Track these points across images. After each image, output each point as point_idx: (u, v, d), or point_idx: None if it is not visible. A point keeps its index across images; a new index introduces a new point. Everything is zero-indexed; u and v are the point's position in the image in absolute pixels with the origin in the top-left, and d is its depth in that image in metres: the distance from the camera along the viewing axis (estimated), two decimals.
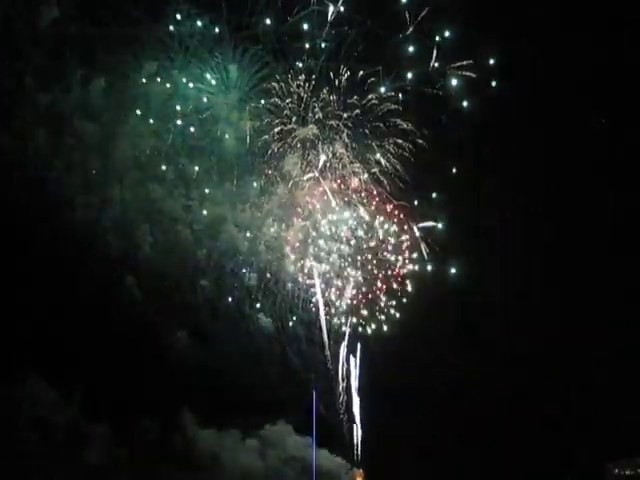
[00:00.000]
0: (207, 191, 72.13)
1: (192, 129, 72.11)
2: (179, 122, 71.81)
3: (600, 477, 77.64)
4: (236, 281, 72.26)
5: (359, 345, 77.60)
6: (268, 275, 74.38)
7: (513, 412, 76.10)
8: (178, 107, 71.43)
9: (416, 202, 75.18)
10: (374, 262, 76.85)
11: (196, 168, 72.14)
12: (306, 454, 72.47)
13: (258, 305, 74.25)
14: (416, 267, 76.38)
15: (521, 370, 75.72)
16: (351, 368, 76.88)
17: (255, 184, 73.28)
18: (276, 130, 73.38)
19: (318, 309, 75.47)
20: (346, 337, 76.26)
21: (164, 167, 71.91)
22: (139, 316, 67.64)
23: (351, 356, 77.09)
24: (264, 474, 69.84)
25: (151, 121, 71.11)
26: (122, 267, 69.17)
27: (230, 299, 72.91)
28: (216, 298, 72.06)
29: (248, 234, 73.80)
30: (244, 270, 73.59)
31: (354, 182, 74.83)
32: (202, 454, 68.86)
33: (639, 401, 75.01)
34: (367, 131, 74.39)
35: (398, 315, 76.75)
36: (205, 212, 72.56)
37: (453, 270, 76.17)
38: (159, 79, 70.28)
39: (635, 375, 75.18)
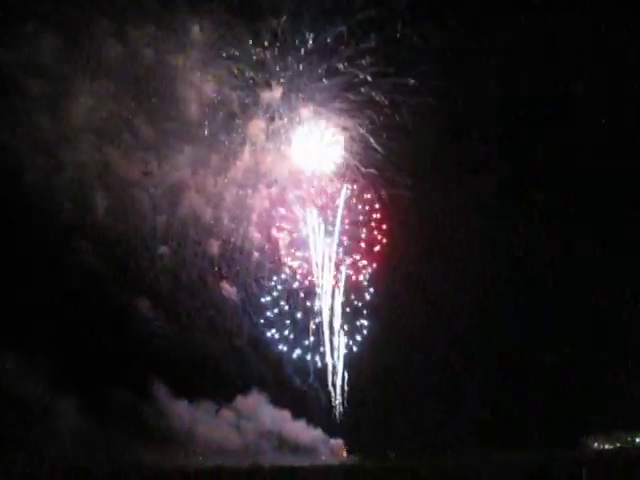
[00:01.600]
0: (167, 155, 66.27)
1: (151, 91, 67.42)
2: (137, 84, 67.23)
3: (580, 450, 75.54)
4: (198, 250, 65.57)
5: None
6: (232, 244, 69.81)
7: (496, 384, 74.99)
8: (136, 68, 66.72)
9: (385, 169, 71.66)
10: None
11: (155, 131, 66.89)
12: (282, 427, 69.71)
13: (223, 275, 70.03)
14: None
15: (504, 342, 75.03)
16: (335, 340, 73.15)
17: (218, 149, 66.79)
18: (240, 94, 69.61)
19: (292, 280, 71.96)
20: (324, 310, 71.43)
21: (121, 130, 67.05)
22: (95, 283, 63.59)
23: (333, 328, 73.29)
24: (240, 448, 65.78)
25: (107, 82, 66.74)
26: (75, 232, 64.26)
27: (192, 268, 66.91)
28: (177, 267, 68.00)
29: (211, 201, 68.14)
30: (207, 238, 68.16)
31: (321, 148, 69.82)
32: (175, 426, 65.11)
33: (618, 378, 74.17)
34: (334, 98, 71.08)
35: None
36: (164, 177, 66.59)
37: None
38: (115, 39, 66.29)
39: (613, 353, 75.15)
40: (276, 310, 70.47)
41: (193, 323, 66.60)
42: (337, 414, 71.98)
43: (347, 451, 71.98)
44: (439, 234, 70.23)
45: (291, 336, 70.53)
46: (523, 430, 70.81)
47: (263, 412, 68.45)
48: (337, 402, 71.56)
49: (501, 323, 75.94)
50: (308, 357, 70.58)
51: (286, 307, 70.91)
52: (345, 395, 72.11)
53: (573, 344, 75.06)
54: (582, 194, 72.42)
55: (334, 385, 71.77)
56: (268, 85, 69.10)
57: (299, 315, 71.11)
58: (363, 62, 69.61)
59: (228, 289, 68.33)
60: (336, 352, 71.28)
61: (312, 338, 71.17)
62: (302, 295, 71.40)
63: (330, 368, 71.48)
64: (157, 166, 67.33)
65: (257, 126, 69.76)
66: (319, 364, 71.34)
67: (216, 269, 68.88)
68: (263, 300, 70.48)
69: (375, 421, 69.31)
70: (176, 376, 64.18)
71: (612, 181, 71.85)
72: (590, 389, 73.88)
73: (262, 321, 69.99)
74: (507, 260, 73.73)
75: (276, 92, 69.39)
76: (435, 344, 73.24)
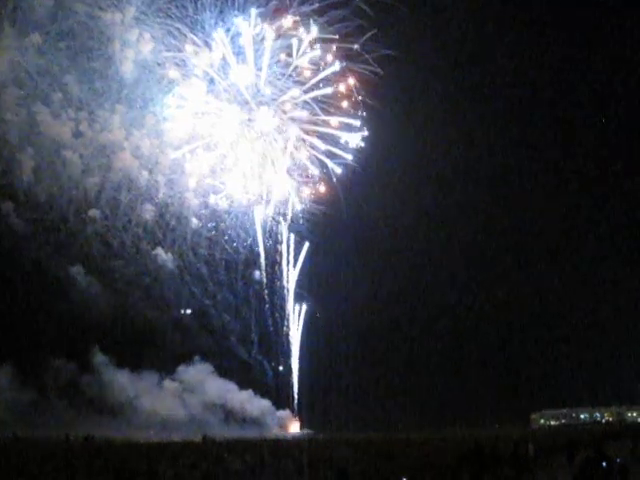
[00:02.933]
0: (99, 115, 61.93)
1: (83, 47, 63.97)
2: (67, 39, 63.57)
3: (526, 427, 75.53)
4: (132, 215, 61.83)
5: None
6: (168, 210, 67.06)
7: (449, 361, 74.69)
8: (65, 22, 62.92)
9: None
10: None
11: (87, 90, 63.35)
12: (228, 398, 67.21)
13: (157, 242, 67.03)
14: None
15: (455, 323, 74.67)
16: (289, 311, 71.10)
17: (154, 111, 63.13)
18: (178, 53, 66.18)
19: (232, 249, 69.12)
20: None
21: (50, 88, 63.22)
22: (24, 247, 60.43)
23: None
24: (185, 420, 63.22)
25: (36, 37, 62.60)
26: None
27: (125, 234, 63.67)
28: (110, 232, 64.72)
29: (146, 165, 65.19)
30: (141, 204, 64.93)
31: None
32: (118, 397, 62.30)
33: (563, 357, 74.99)
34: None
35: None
36: (97, 138, 62.56)
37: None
38: None
39: (558, 335, 75.78)
40: (216, 279, 67.14)
41: (130, 291, 63.62)
42: (289, 387, 70.34)
43: (300, 425, 70.75)
44: None
45: (233, 306, 67.57)
46: (472, 408, 69.33)
47: (208, 383, 66.12)
48: (291, 375, 69.95)
49: (452, 302, 74.31)
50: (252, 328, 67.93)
51: (226, 277, 67.67)
52: (296, 367, 70.39)
53: (520, 326, 74.09)
54: None
55: (284, 356, 69.92)
56: (207, 46, 64.90)
57: (240, 285, 67.93)
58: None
59: (163, 256, 64.96)
60: (287, 322, 68.43)
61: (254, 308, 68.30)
62: (242, 265, 68.29)
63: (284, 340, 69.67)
64: (88, 127, 63.06)
65: (196, 88, 65.01)
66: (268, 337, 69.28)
67: (151, 236, 65.32)
68: (201, 269, 66.80)
69: (329, 395, 66.41)
70: (117, 346, 61.69)
71: None
72: (537, 369, 73.19)
73: (201, 291, 66.42)
74: None
75: (216, 53, 64.20)
76: (388, 318, 70.93)
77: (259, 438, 45.55)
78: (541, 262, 77.16)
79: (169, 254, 65.78)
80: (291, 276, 69.08)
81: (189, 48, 66.10)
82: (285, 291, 68.54)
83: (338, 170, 67.66)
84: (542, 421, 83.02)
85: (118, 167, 64.98)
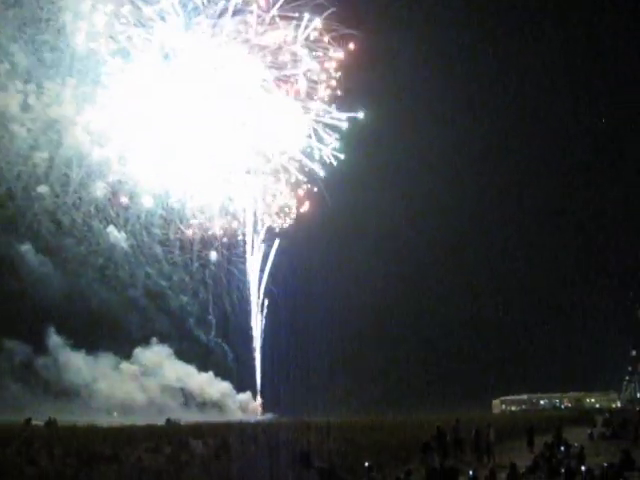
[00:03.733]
0: (49, 88, 61.29)
1: (32, 17, 62.93)
2: (14, 8, 62.32)
3: (488, 412, 77.19)
4: (84, 192, 61.11)
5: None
6: (121, 188, 66.60)
7: (410, 347, 76.83)
8: None
9: None
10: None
11: (35, 61, 62.63)
12: (187, 382, 67.69)
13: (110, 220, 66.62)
14: None
15: (417, 309, 76.19)
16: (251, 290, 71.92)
17: (107, 85, 62.49)
18: (131, 27, 65.37)
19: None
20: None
21: None
22: None
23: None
24: (144, 405, 63.35)
25: None
26: None
27: (77, 212, 63.55)
28: (60, 210, 64.09)
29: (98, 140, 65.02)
30: (93, 181, 64.70)
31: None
32: (75, 380, 62.01)
33: (524, 344, 78.45)
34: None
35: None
36: (46, 112, 62.60)
37: None
38: None
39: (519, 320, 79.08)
40: (171, 260, 67.66)
41: (82, 271, 63.82)
42: (251, 370, 71.12)
43: (263, 409, 71.54)
44: None
45: (189, 288, 68.13)
46: (434, 393, 70.90)
47: (166, 366, 66.44)
48: (253, 359, 70.68)
49: (413, 287, 75.74)
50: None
51: (181, 258, 68.11)
52: (259, 350, 71.32)
53: (482, 313, 75.82)
54: None
55: (245, 339, 70.50)
56: (162, 20, 64.80)
57: (196, 266, 68.33)
58: None
59: (116, 234, 64.90)
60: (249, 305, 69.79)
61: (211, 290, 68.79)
62: (198, 246, 68.65)
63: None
64: (37, 100, 62.34)
65: (151, 63, 64.05)
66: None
67: (103, 214, 65.19)
68: (155, 249, 67.24)
69: (292, 379, 67.46)
70: (72, 328, 61.31)
71: None
72: (498, 356, 75.05)
73: (157, 271, 66.68)
74: None
75: (172, 27, 63.87)
76: (351, 303, 72.10)
77: (223, 422, 46.09)
78: (504, 252, 79.09)
79: (122, 233, 65.61)
80: (253, 258, 69.12)
81: (144, 21, 65.02)
82: (247, 274, 68.57)
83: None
84: (503, 407, 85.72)
85: (69, 142, 63.94)
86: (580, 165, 78.11)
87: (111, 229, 66.00)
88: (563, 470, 21.07)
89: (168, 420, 44.25)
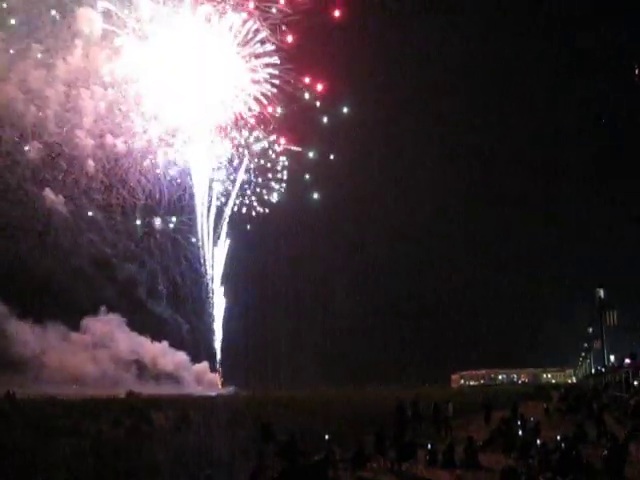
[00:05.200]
0: None
1: None
2: None
3: (446, 387, 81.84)
4: (18, 154, 59.88)
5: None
6: (61, 150, 66.85)
7: (372, 322, 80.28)
8: None
9: None
10: None
11: None
12: (141, 352, 68.99)
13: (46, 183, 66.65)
14: None
15: (379, 283, 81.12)
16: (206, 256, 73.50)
17: (45, 41, 61.65)
18: None
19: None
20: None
21: None
22: None
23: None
24: (97, 377, 64.26)
25: None
26: None
27: (11, 174, 63.80)
28: None
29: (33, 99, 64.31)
30: (28, 141, 64.62)
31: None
32: (23, 351, 62.33)
33: (483, 321, 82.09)
34: None
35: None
36: None
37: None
38: None
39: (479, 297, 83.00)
40: (113, 227, 67.98)
41: (21, 237, 64.11)
42: (209, 341, 72.85)
43: (223, 382, 73.60)
44: None
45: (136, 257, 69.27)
46: (394, 368, 73.09)
47: (118, 336, 67.53)
48: (211, 330, 72.12)
49: (374, 263, 77.54)
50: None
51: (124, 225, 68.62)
52: (219, 324, 73.47)
53: (442, 290, 78.13)
54: None
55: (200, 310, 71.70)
56: None
57: (140, 233, 69.45)
58: None
59: (53, 199, 64.58)
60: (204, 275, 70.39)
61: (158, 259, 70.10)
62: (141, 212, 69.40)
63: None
64: None
65: (90, 20, 64.24)
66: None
67: (39, 176, 65.21)
68: (96, 215, 67.48)
69: (252, 352, 68.30)
70: (16, 296, 61.33)
71: None
72: (458, 332, 77.65)
73: (100, 239, 67.25)
74: None
75: None
76: (313, 276, 73.45)
77: (184, 395, 46.66)
78: (466, 228, 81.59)
79: (60, 197, 65.48)
80: (207, 226, 69.64)
81: None
82: (199, 242, 69.03)
83: None
84: (462, 381, 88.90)
85: (1, 100, 63.07)
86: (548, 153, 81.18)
87: (47, 192, 65.43)
88: (519, 444, 22.78)
89: (129, 392, 44.93)
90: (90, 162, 68.02)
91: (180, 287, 72.44)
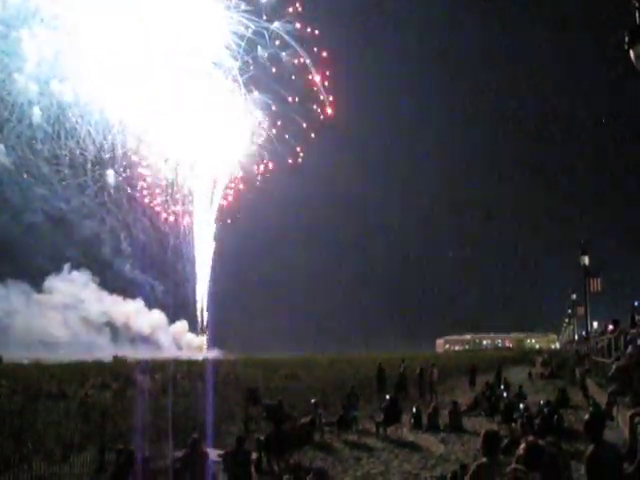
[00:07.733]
0: None
1: None
2: None
3: (432, 351, 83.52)
4: None
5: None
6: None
7: (358, 287, 77.29)
8: None
9: None
10: None
11: None
12: (113, 312, 65.78)
13: None
14: None
15: (365, 249, 76.52)
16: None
17: None
18: None
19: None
20: None
21: None
22: None
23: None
24: (69, 340, 61.00)
25: None
26: None
27: None
28: None
29: None
30: None
31: None
32: None
33: (468, 286, 78.54)
34: None
35: None
36: None
37: None
38: None
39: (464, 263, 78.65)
40: (62, 181, 64.19)
41: None
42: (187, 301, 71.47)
43: (208, 345, 72.65)
44: None
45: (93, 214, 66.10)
46: (380, 332, 74.12)
47: (86, 295, 64.42)
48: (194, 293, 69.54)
49: (360, 228, 78.15)
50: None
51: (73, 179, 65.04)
52: (204, 286, 72.77)
53: (428, 255, 79.16)
54: None
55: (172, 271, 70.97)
56: None
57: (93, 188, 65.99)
58: None
59: None
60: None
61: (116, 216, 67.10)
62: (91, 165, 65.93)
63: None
64: None
65: None
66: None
67: None
68: (42, 168, 63.62)
69: (237, 315, 67.94)
70: None
71: None
72: (443, 296, 78.96)
73: (51, 193, 63.44)
74: None
75: None
76: (299, 240, 73.67)
77: (171, 359, 46.04)
78: (453, 192, 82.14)
79: (1, 146, 61.59)
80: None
81: None
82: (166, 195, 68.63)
83: None
84: (447, 346, 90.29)
85: None
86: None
87: None
88: (502, 407, 23.17)
89: (115, 357, 44.64)
90: (34, 110, 63.51)
91: (146, 246, 69.95)
